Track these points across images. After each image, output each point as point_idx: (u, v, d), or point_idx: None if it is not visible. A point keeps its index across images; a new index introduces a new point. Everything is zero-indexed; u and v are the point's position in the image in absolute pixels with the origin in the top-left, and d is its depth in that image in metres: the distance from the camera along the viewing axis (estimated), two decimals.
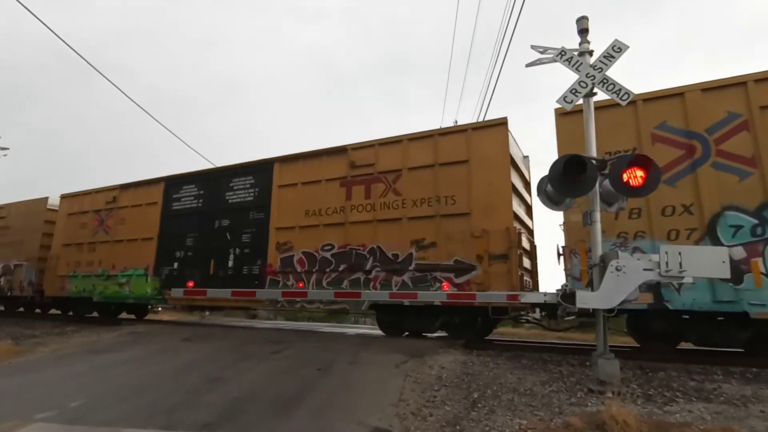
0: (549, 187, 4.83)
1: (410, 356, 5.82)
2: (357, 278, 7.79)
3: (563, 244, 6.39)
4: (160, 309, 15.15)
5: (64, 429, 3.71)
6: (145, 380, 5.15)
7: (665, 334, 6.06)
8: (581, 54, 5.12)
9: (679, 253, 4.12)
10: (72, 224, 12.38)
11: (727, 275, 4.11)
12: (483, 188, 7.10)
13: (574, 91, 4.96)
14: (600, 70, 4.92)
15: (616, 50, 4.95)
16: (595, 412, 3.61)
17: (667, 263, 4.12)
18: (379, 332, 9.76)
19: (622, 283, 4.26)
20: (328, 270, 8.08)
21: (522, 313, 7.22)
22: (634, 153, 5.62)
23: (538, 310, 7.19)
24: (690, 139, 5.85)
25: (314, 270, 8.22)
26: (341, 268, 7.94)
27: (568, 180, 4.50)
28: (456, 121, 16.75)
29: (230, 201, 9.66)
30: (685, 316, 5.90)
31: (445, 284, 7.11)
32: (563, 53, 5.14)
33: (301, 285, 8.27)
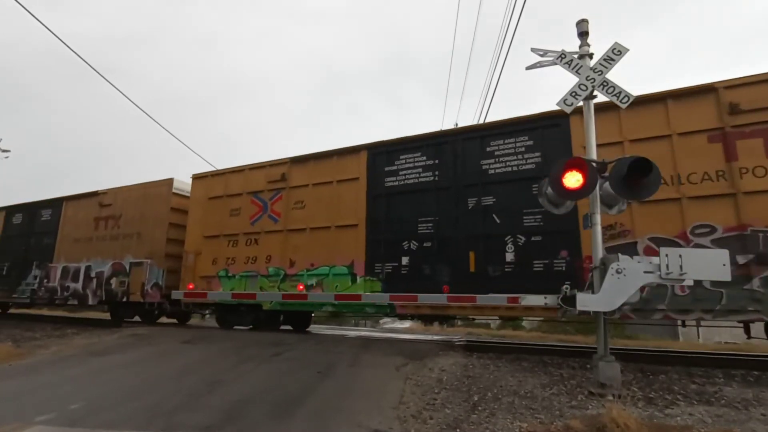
0: (549, 190, 4.83)
1: (411, 359, 5.81)
2: None
3: None
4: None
5: (64, 431, 3.71)
6: (146, 382, 5.15)
7: None
8: (581, 57, 5.13)
9: (680, 256, 4.12)
10: (216, 211, 9.73)
11: (728, 278, 4.11)
12: None
13: (574, 93, 4.97)
14: (600, 72, 4.93)
15: (616, 53, 4.96)
16: (595, 415, 3.60)
17: (667, 266, 4.12)
18: (379, 334, 9.76)
19: (622, 286, 4.26)
20: None
21: None
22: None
23: None
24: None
25: None
26: (738, 260, 5.29)
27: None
28: (456, 123, 16.73)
29: (491, 171, 7.14)
30: None
31: None
32: (563, 56, 5.15)
33: None
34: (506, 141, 7.19)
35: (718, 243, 5.47)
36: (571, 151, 6.46)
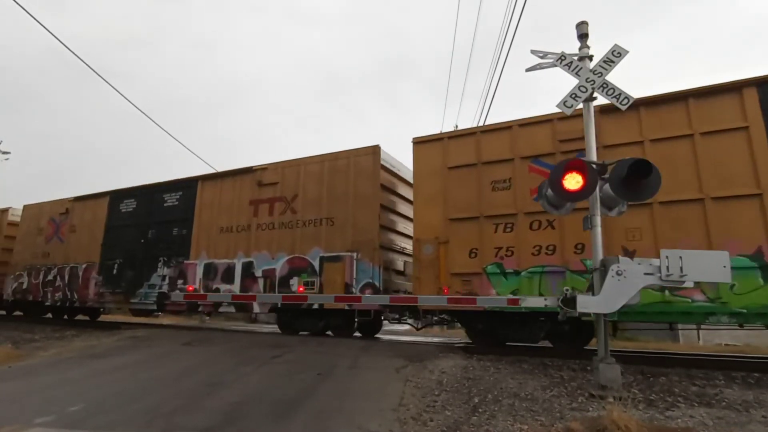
0: (549, 191, 4.84)
1: (410, 361, 5.81)
2: None
3: None
4: None
5: None
6: (145, 385, 5.14)
7: None
8: (581, 59, 5.14)
9: (680, 258, 4.12)
10: (464, 184, 7.24)
11: (729, 280, 4.10)
12: None
13: (574, 95, 4.97)
14: (600, 74, 4.94)
15: (615, 55, 4.97)
16: (596, 417, 3.59)
17: (667, 267, 4.12)
18: (379, 336, 9.74)
19: (622, 288, 4.26)
20: None
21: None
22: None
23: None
24: None
25: None
26: None
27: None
28: (456, 126, 16.69)
29: None
30: None
31: None
32: (563, 58, 5.15)
33: None
34: None
35: None
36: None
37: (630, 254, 5.88)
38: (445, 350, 6.67)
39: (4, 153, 22.15)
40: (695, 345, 12.32)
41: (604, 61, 4.98)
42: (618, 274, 4.27)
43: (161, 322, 14.21)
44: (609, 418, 3.27)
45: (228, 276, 9.19)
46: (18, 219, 14.09)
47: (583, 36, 5.22)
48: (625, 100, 4.79)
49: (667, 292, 5.57)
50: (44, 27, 9.16)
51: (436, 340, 9.61)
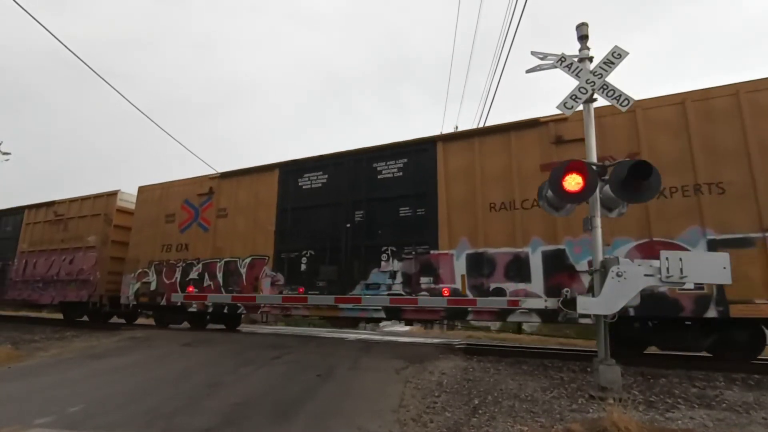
0: (549, 193, 4.84)
1: (411, 362, 5.80)
2: None
3: None
4: None
5: None
6: (145, 385, 5.14)
7: None
8: (581, 60, 5.15)
9: (680, 259, 4.12)
10: None
11: (729, 281, 4.10)
12: None
13: (574, 97, 4.98)
14: (600, 76, 4.94)
15: (616, 56, 4.98)
16: (596, 418, 3.59)
17: (668, 269, 4.12)
18: (379, 337, 9.74)
19: (623, 289, 4.26)
20: None
21: None
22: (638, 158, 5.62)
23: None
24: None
25: None
26: None
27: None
28: (456, 127, 16.74)
29: None
30: None
31: None
32: (563, 59, 5.16)
33: None
34: None
35: None
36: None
37: None
38: (445, 351, 6.67)
39: (5, 154, 22.17)
40: None
41: (604, 63, 4.98)
42: (618, 275, 4.27)
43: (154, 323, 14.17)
44: (609, 420, 3.27)
45: (516, 270, 6.53)
46: (130, 205, 11.73)
47: (583, 37, 5.22)
48: (626, 102, 4.80)
49: None
50: (45, 28, 9.17)
51: (436, 341, 9.61)
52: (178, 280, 9.83)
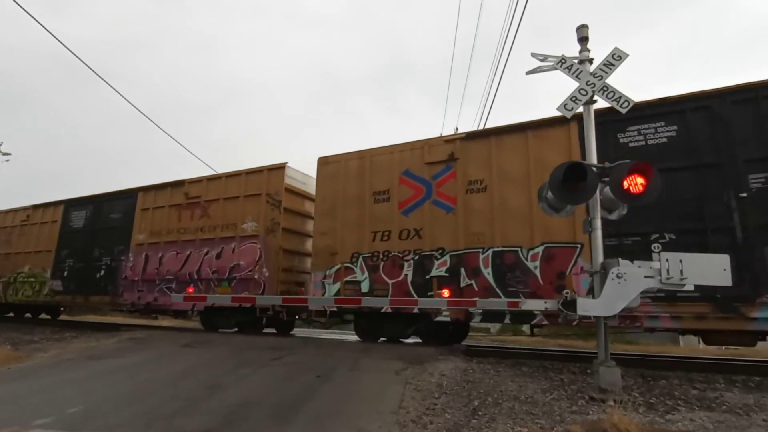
0: (549, 194, 4.84)
1: (410, 363, 5.79)
2: None
3: None
4: None
5: None
6: (145, 386, 5.13)
7: None
8: (581, 62, 5.16)
9: (680, 261, 4.12)
10: None
11: (729, 283, 4.10)
12: None
13: (574, 98, 4.98)
14: (600, 78, 4.95)
15: (616, 58, 4.99)
16: (596, 420, 3.59)
17: (668, 270, 4.12)
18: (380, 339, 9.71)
19: (623, 291, 4.26)
20: None
21: None
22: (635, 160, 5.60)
23: None
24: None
25: None
26: None
27: (568, 187, 4.51)
28: (456, 129, 16.71)
29: None
30: None
31: None
32: (563, 61, 5.17)
33: None
34: None
35: None
36: None
37: None
38: (445, 353, 6.65)
39: (5, 154, 22.16)
40: (695, 348, 12.30)
41: (605, 65, 4.99)
42: (618, 276, 4.27)
43: (160, 324, 14.20)
44: (609, 422, 3.27)
45: None
46: (297, 183, 9.66)
47: (583, 39, 5.23)
48: (626, 104, 4.81)
49: None
50: (46, 29, 9.19)
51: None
52: (410, 278, 7.41)
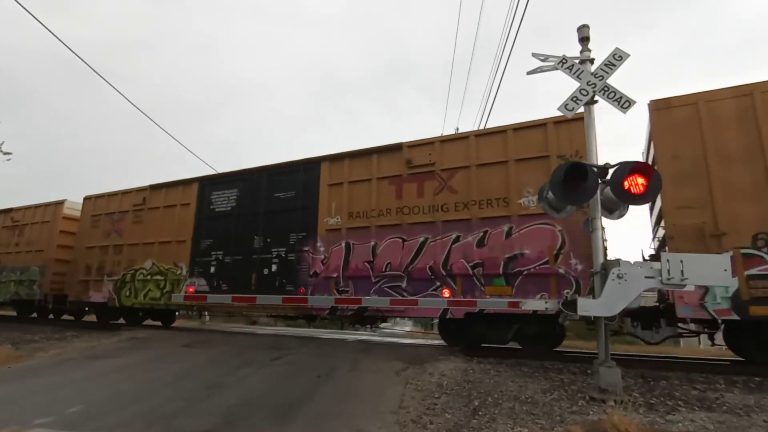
0: (550, 194, 4.84)
1: (411, 363, 5.80)
2: None
3: None
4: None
5: None
6: (145, 386, 5.13)
7: None
8: (582, 62, 5.15)
9: (681, 261, 4.11)
10: None
11: (729, 283, 4.09)
12: None
13: (575, 98, 4.98)
14: (601, 78, 4.95)
15: (617, 58, 4.98)
16: (596, 420, 3.59)
17: (668, 271, 4.11)
18: (379, 339, 9.73)
19: (623, 291, 4.25)
20: None
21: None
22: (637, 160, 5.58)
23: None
24: None
25: None
26: None
27: (569, 187, 4.51)
28: (457, 129, 16.66)
29: None
30: None
31: None
32: (564, 61, 5.16)
33: None
34: None
35: None
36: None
37: None
38: (445, 353, 6.65)
39: (6, 154, 22.16)
40: (696, 349, 12.29)
41: (605, 65, 4.99)
42: (619, 277, 4.26)
43: (159, 323, 14.19)
44: (609, 422, 3.27)
45: None
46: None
47: (584, 39, 5.22)
48: (627, 104, 4.80)
49: None
50: (46, 28, 9.19)
51: (435, 342, 9.59)
52: None
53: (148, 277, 10.18)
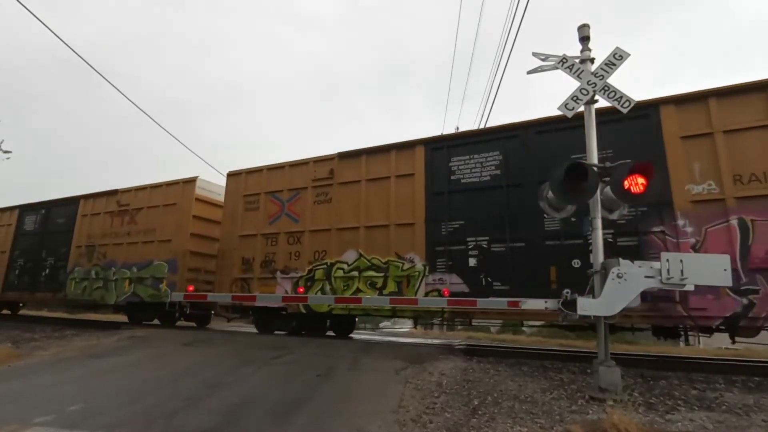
0: (550, 194, 4.84)
1: (410, 362, 5.80)
2: None
3: None
4: None
5: None
6: (145, 385, 5.14)
7: None
8: (582, 61, 5.15)
9: (681, 261, 4.12)
10: None
11: (729, 283, 4.10)
12: None
13: (575, 98, 4.98)
14: (601, 77, 4.95)
15: (617, 58, 4.98)
16: (596, 420, 3.59)
17: (668, 270, 4.11)
18: (379, 338, 9.73)
19: (623, 290, 4.25)
20: None
21: None
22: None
23: None
24: None
25: None
26: None
27: (569, 187, 4.51)
28: (457, 128, 16.70)
29: None
30: None
31: None
32: (564, 61, 5.16)
33: None
34: None
35: None
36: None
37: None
38: (445, 352, 6.66)
39: (6, 152, 22.17)
40: (695, 348, 12.30)
41: (606, 64, 4.98)
42: (619, 276, 4.27)
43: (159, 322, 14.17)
44: (609, 422, 3.27)
45: None
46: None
47: (584, 39, 5.22)
48: (627, 103, 4.80)
49: None
50: (47, 27, 9.19)
51: (436, 341, 9.60)
52: None
53: (354, 273, 7.84)
